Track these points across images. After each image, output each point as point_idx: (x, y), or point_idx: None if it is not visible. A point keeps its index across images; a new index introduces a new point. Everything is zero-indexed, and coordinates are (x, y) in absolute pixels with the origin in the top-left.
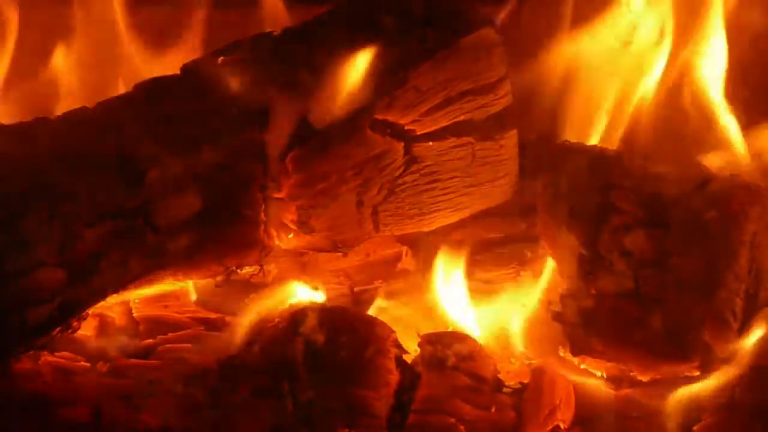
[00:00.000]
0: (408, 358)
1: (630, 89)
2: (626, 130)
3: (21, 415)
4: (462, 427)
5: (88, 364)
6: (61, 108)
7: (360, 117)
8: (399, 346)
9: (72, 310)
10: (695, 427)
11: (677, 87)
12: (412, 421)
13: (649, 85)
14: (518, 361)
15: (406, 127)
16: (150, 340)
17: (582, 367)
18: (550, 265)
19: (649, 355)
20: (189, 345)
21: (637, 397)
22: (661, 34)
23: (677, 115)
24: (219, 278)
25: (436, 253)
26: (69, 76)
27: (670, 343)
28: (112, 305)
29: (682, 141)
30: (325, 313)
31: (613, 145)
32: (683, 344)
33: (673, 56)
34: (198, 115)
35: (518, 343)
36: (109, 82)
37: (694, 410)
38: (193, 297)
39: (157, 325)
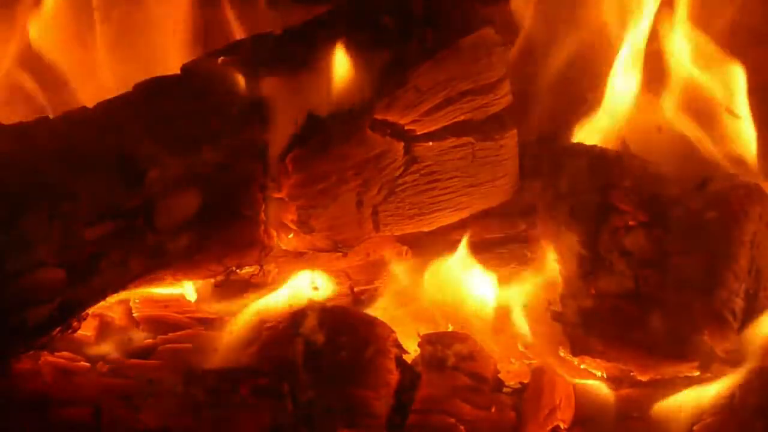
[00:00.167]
0: (408, 358)
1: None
2: (627, 131)
3: (21, 415)
4: (462, 427)
5: (88, 364)
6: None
7: (360, 117)
8: (399, 346)
9: (72, 310)
10: (695, 427)
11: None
12: (412, 421)
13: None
14: (518, 361)
15: (406, 127)
16: (150, 340)
17: (582, 367)
18: (550, 265)
19: (649, 355)
20: (189, 345)
21: (637, 397)
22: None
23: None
24: (219, 278)
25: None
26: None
27: (670, 343)
28: (112, 305)
29: (684, 141)
30: (325, 313)
31: (613, 145)
32: (683, 344)
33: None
34: (198, 115)
35: (520, 342)
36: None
37: (694, 410)
38: (194, 297)
39: (157, 325)
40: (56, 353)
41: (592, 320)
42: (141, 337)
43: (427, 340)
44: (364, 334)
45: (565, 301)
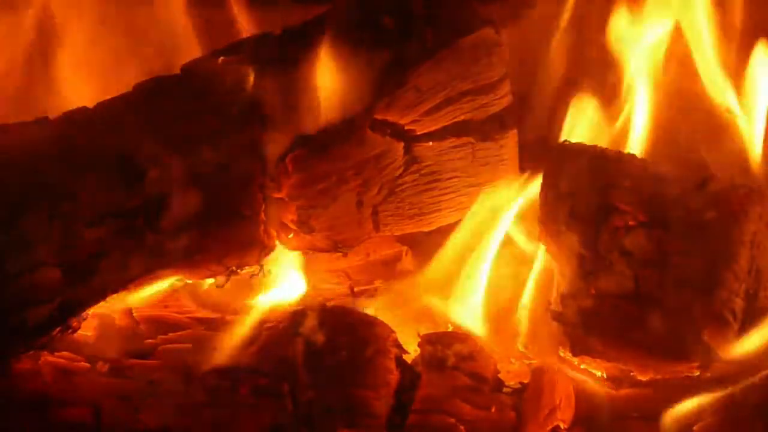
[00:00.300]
0: (408, 358)
1: (631, 89)
2: (627, 130)
3: (21, 415)
4: (462, 427)
5: (88, 364)
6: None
7: (360, 117)
8: (399, 346)
9: (72, 310)
10: (695, 427)
11: (682, 86)
12: (412, 421)
13: (652, 83)
14: (518, 361)
15: (406, 127)
16: (150, 340)
17: (582, 367)
18: (550, 265)
19: (649, 355)
20: (189, 345)
21: (637, 397)
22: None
23: (682, 115)
24: (219, 278)
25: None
26: None
27: (670, 343)
28: (112, 305)
29: (685, 141)
30: (325, 313)
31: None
32: (683, 344)
33: (678, 54)
34: (198, 115)
35: (520, 342)
36: None
37: (694, 410)
38: (193, 297)
39: (157, 325)
40: (56, 353)
41: (592, 320)
42: (141, 337)
43: (427, 340)
44: (364, 334)
45: (565, 301)
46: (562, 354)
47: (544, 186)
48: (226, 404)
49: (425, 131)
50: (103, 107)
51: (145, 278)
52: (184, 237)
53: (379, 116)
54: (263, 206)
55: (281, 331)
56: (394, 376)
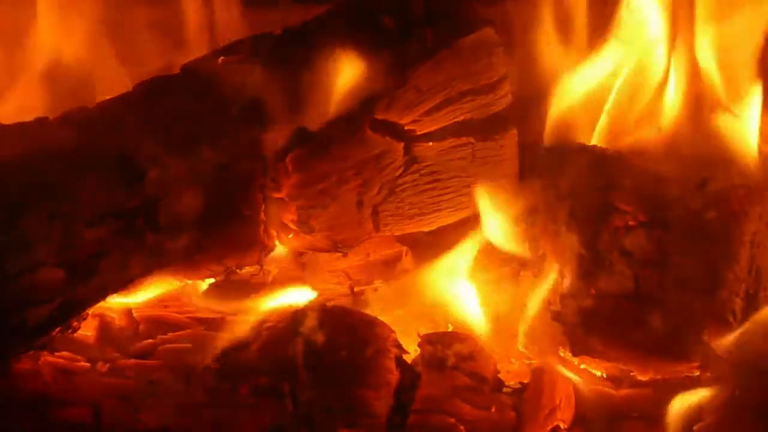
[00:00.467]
0: (408, 358)
1: (631, 89)
2: (627, 131)
3: (21, 415)
4: (462, 427)
5: (88, 364)
6: None
7: (360, 117)
8: (399, 346)
9: (72, 310)
10: (695, 427)
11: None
12: (412, 421)
13: (652, 84)
14: (518, 361)
15: (406, 127)
16: (150, 340)
17: (582, 367)
18: (550, 265)
19: (649, 355)
20: (189, 345)
21: (637, 397)
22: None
23: (681, 116)
24: (219, 278)
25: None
26: None
27: (670, 343)
28: (112, 305)
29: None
30: (325, 313)
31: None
32: (683, 344)
33: (677, 55)
34: (198, 115)
35: (520, 342)
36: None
37: (694, 410)
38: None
39: (157, 325)
40: (56, 353)
41: (592, 320)
42: (141, 337)
43: (427, 340)
44: (364, 334)
45: (565, 301)
46: (562, 354)
47: (544, 186)
48: (226, 404)
49: (425, 131)
50: (103, 107)
51: (145, 278)
52: (184, 237)
53: (379, 116)
54: (263, 206)
55: (281, 331)
56: (394, 376)
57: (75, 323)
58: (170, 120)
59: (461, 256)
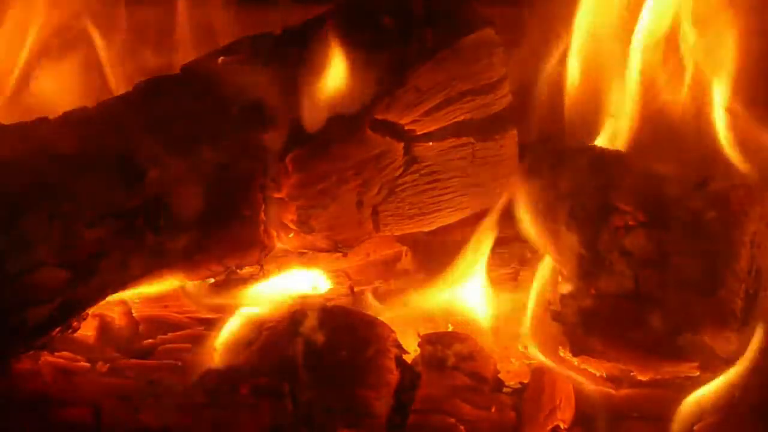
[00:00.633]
0: (408, 358)
1: (632, 89)
2: (627, 131)
3: (21, 415)
4: (462, 427)
5: (88, 364)
6: None
7: (360, 117)
8: (399, 346)
9: (72, 310)
10: (696, 427)
11: (681, 88)
12: (412, 421)
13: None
14: (518, 361)
15: (406, 127)
16: (150, 340)
17: (582, 367)
18: (549, 265)
19: (649, 355)
20: (189, 345)
21: (637, 397)
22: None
23: (679, 116)
24: (219, 278)
25: (436, 253)
26: None
27: (670, 343)
28: (112, 305)
29: (683, 142)
30: (325, 313)
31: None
32: (683, 344)
33: (676, 57)
34: (198, 115)
35: (523, 341)
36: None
37: (694, 410)
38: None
39: (157, 325)
40: (56, 353)
41: (592, 320)
42: (141, 337)
43: (427, 340)
44: (364, 334)
45: (565, 301)
46: (562, 354)
47: (544, 186)
48: (226, 404)
49: (425, 131)
50: (103, 107)
51: (145, 278)
52: (184, 237)
53: (379, 116)
54: (263, 206)
55: (281, 331)
56: (394, 376)
57: (75, 323)
58: (170, 120)
59: (474, 258)
